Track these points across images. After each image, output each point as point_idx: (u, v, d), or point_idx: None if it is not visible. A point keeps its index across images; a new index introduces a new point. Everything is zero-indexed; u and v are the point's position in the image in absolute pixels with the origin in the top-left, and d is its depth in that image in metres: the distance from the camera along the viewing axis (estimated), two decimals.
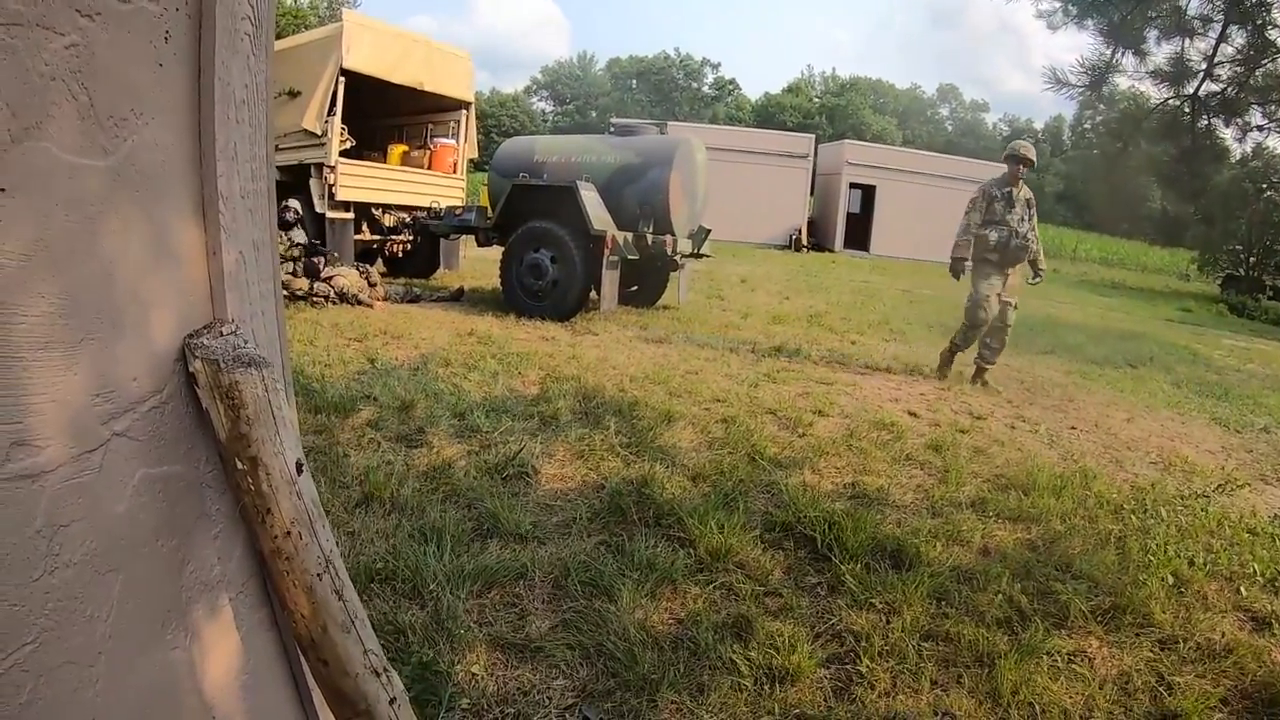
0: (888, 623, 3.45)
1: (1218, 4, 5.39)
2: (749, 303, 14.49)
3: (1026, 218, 8.37)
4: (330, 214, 12.09)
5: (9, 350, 1.00)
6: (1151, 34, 5.57)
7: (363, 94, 12.63)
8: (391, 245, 14.09)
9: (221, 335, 1.29)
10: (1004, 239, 8.26)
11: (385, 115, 14.73)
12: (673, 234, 11.13)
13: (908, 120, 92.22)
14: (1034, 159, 8.36)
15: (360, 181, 12.53)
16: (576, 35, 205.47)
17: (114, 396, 1.16)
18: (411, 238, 14.08)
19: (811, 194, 38.52)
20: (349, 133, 12.48)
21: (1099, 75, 5.48)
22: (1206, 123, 5.78)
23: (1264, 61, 5.44)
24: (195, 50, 1.28)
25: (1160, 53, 5.54)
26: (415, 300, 11.60)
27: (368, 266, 11.73)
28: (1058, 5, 5.76)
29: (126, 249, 1.17)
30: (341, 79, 11.78)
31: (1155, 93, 5.79)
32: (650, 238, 10.75)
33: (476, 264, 15.59)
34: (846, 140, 43.42)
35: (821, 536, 4.10)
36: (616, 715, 2.76)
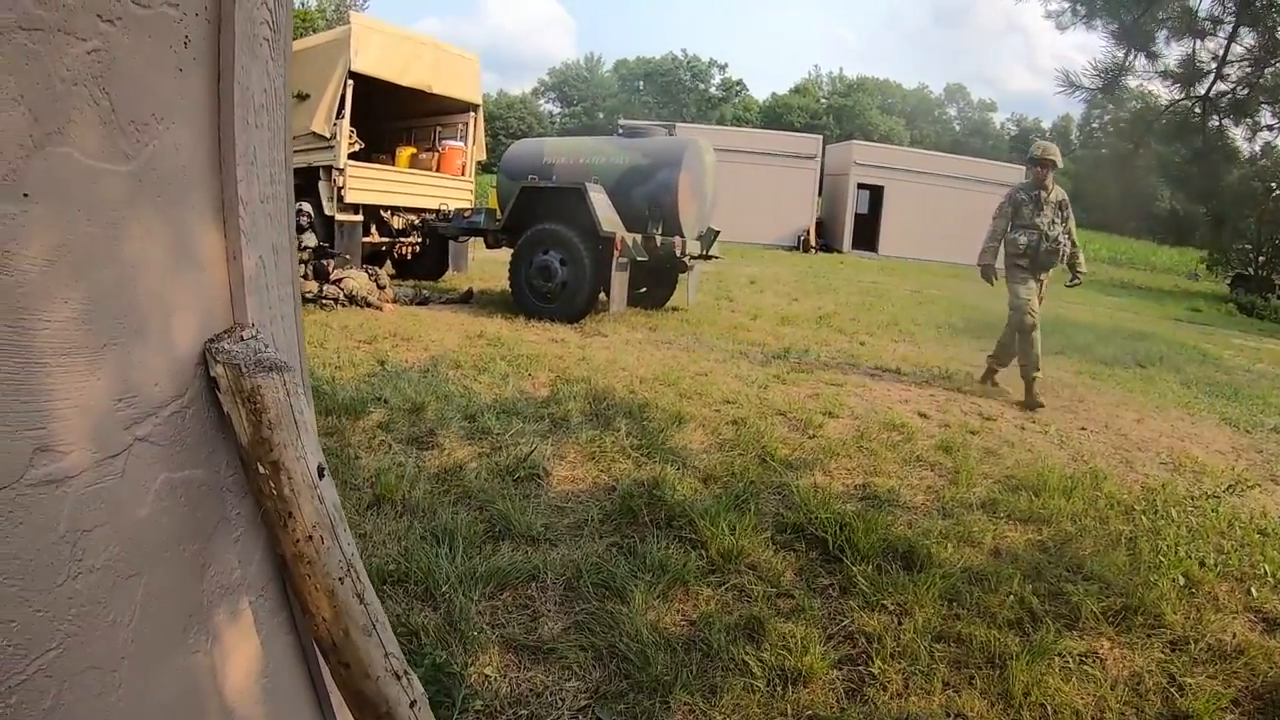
0: (899, 624, 3.45)
1: (1228, 5, 5.38)
2: (758, 304, 14.48)
3: (1059, 220, 8.13)
4: (339, 216, 12.10)
5: (32, 356, 1.00)
6: (1161, 34, 5.56)
7: (371, 96, 12.64)
8: (400, 248, 14.07)
9: (242, 340, 1.30)
10: (1033, 243, 8.05)
11: (394, 118, 14.73)
12: (682, 235, 11.12)
13: (915, 120, 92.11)
14: (1057, 160, 8.14)
15: (369, 184, 12.54)
16: (583, 37, 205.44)
17: (136, 401, 1.16)
18: (420, 240, 14.05)
19: (819, 195, 38.46)
20: (357, 135, 12.49)
21: (1112, 77, 5.47)
22: (1218, 123, 5.76)
23: (1274, 61, 5.42)
24: (214, 55, 1.28)
25: (1170, 54, 5.53)
26: (424, 302, 11.61)
27: (377, 269, 11.71)
28: (1066, 5, 5.75)
29: (148, 254, 1.17)
30: (350, 82, 11.77)
31: (1164, 92, 5.77)
32: (659, 239, 10.73)
33: (485, 266, 15.60)
34: (854, 141, 43.33)
35: (833, 538, 4.09)
36: (629, 717, 2.77)
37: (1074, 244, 8.26)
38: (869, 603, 3.60)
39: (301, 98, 11.97)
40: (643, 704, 2.81)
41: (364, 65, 11.85)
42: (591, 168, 11.52)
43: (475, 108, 14.35)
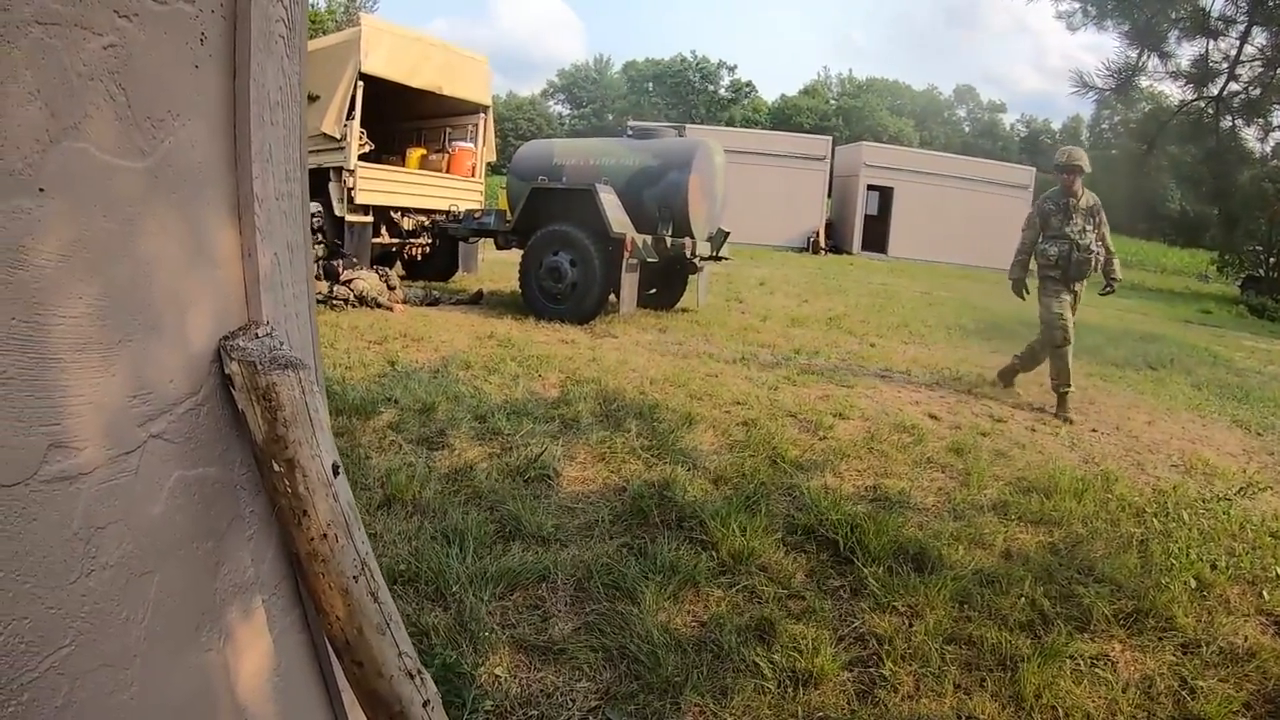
0: (910, 625, 3.44)
1: (1241, 4, 5.36)
2: (768, 305, 14.45)
3: (1090, 227, 7.86)
4: (349, 217, 12.11)
5: (47, 351, 1.00)
6: (1173, 35, 5.54)
7: (381, 98, 12.65)
8: (410, 248, 14.09)
9: (257, 337, 1.30)
10: (1064, 253, 7.81)
11: (403, 119, 14.75)
12: (692, 236, 11.10)
13: (925, 121, 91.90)
14: (1083, 164, 7.82)
15: (379, 185, 12.55)
16: (592, 38, 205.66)
17: (151, 398, 1.16)
18: (430, 241, 14.08)
19: (829, 196, 38.40)
20: (368, 136, 12.49)
21: (1125, 77, 5.45)
22: (1230, 124, 5.74)
23: None
24: (230, 52, 1.28)
25: (1182, 54, 5.51)
26: (434, 303, 11.61)
27: (387, 270, 11.73)
28: (1077, 6, 5.74)
29: (163, 250, 1.17)
30: (360, 83, 11.79)
31: (1176, 93, 5.75)
32: (669, 240, 10.71)
33: (495, 267, 15.61)
34: (864, 142, 43.23)
35: (844, 539, 4.08)
36: (640, 718, 2.76)
37: (1108, 250, 7.99)
38: (880, 604, 3.59)
39: (312, 99, 11.98)
40: (653, 705, 2.80)
41: (374, 67, 11.87)
42: (601, 169, 11.50)
43: (485, 109, 14.35)
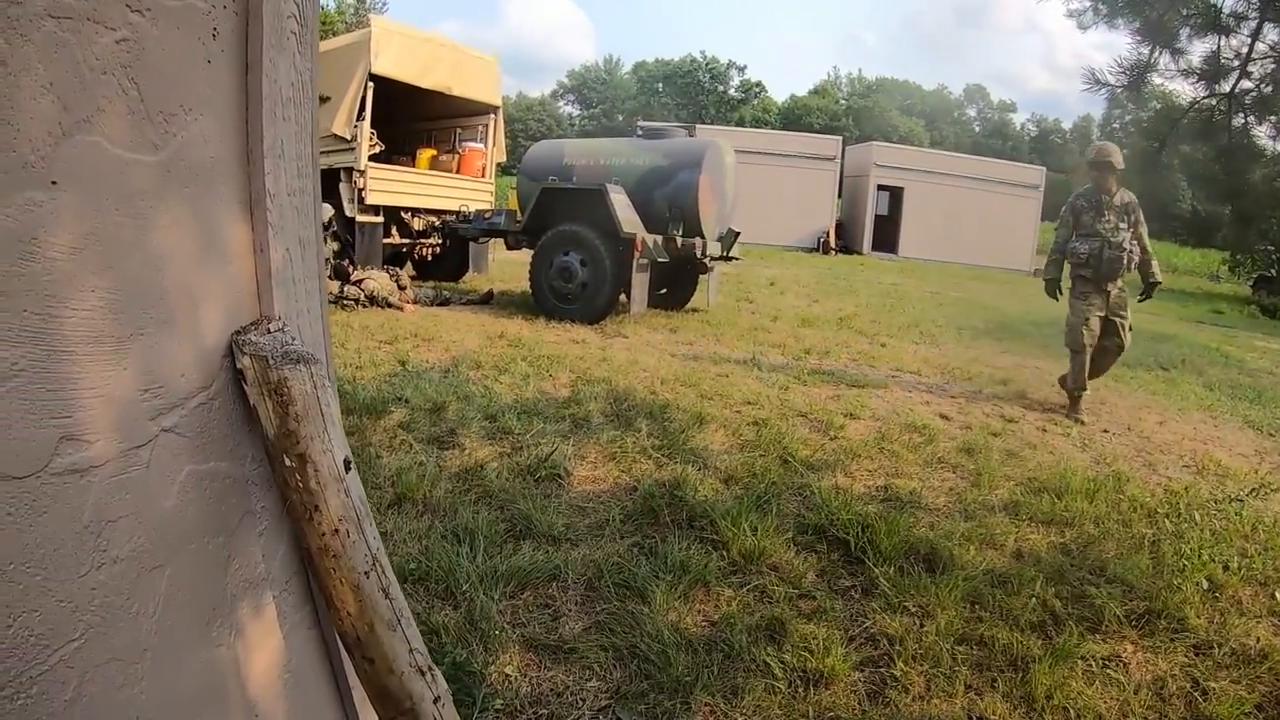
0: (921, 626, 3.43)
1: (1252, 1, 5.33)
2: (778, 305, 14.44)
3: (1124, 225, 7.62)
4: (360, 218, 12.14)
5: (59, 344, 1.00)
6: (1184, 32, 5.51)
7: (391, 99, 12.69)
8: (421, 249, 14.13)
9: (269, 332, 1.30)
10: (1095, 251, 7.58)
11: (414, 120, 14.79)
12: (702, 236, 11.08)
13: (935, 121, 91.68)
14: (1114, 160, 7.57)
15: (389, 185, 12.58)
16: (602, 39, 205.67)
17: (162, 392, 1.16)
18: (441, 241, 14.12)
19: (839, 196, 38.34)
20: (378, 137, 12.54)
21: (1137, 75, 5.43)
22: (1243, 121, 5.71)
23: None
24: (243, 48, 1.28)
25: (1194, 51, 5.48)
26: (445, 303, 11.64)
27: (397, 270, 11.76)
28: (1088, 4, 5.71)
29: (176, 244, 1.17)
30: (370, 84, 11.82)
31: (1188, 91, 5.72)
32: (680, 240, 10.71)
33: (505, 267, 15.63)
34: (874, 142, 43.08)
35: (855, 539, 4.07)
36: (650, 717, 2.75)
37: (1145, 250, 7.74)
38: (891, 604, 3.58)
39: (322, 100, 11.98)
40: (663, 704, 2.80)
41: (384, 67, 11.90)
42: (612, 169, 11.51)
43: (495, 109, 14.36)
